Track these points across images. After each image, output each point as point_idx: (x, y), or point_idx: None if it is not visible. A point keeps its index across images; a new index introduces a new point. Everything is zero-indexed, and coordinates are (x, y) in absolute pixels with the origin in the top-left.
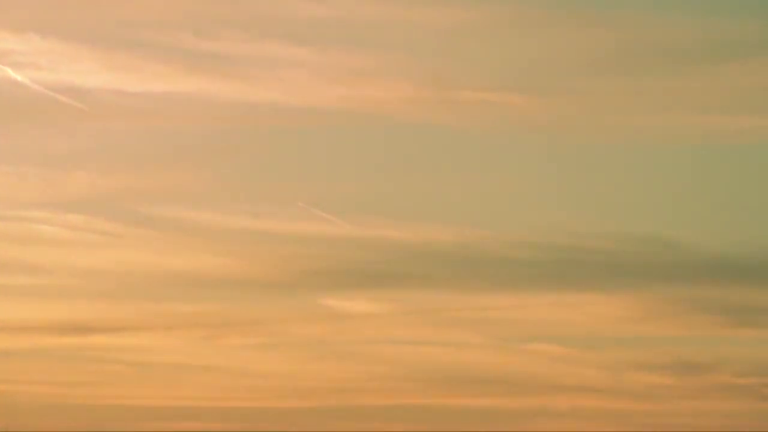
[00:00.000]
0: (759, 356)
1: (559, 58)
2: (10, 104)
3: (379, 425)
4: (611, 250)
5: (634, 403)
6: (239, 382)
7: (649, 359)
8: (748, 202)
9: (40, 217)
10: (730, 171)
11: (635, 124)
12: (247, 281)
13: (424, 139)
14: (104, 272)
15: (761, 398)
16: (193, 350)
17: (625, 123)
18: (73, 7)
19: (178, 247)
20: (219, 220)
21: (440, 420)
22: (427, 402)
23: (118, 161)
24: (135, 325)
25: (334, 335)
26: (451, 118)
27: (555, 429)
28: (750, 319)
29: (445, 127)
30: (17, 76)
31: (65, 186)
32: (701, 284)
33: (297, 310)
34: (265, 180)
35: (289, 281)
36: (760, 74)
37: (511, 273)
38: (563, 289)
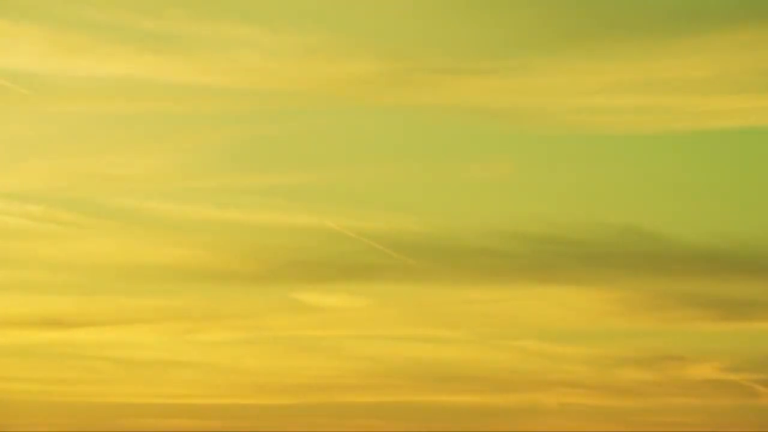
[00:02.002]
0: (746, 351)
1: (528, 35)
2: None
3: (359, 423)
4: (592, 241)
5: (621, 399)
6: (216, 379)
7: (634, 354)
8: (732, 192)
9: None
10: (714, 159)
11: (615, 108)
12: (219, 274)
13: (387, 123)
14: (71, 265)
15: (749, 394)
16: (169, 346)
17: (605, 107)
18: None
19: (144, 239)
20: (183, 211)
21: (422, 418)
22: (409, 399)
23: (71, 148)
24: (107, 320)
25: (311, 330)
26: (413, 99)
27: (541, 427)
28: (737, 313)
29: (409, 108)
30: None
31: (20, 175)
32: (686, 277)
33: (273, 304)
34: (226, 168)
35: (264, 274)
36: (744, 49)
37: (489, 265)
38: (545, 281)
